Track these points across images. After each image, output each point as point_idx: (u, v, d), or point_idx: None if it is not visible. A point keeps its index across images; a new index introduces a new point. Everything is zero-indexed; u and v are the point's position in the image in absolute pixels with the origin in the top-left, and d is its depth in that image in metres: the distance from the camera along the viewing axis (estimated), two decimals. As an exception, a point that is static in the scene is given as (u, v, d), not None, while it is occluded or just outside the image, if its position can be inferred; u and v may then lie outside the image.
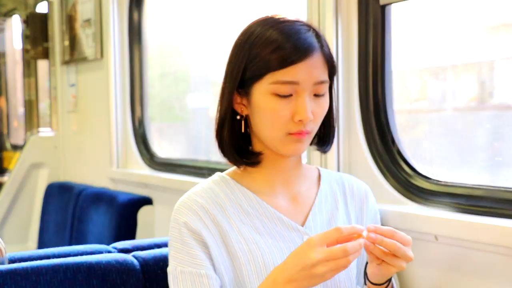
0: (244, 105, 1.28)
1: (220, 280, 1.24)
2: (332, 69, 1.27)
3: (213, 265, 1.24)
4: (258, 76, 1.22)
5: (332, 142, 1.35)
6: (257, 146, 1.31)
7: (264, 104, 1.23)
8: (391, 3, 1.68)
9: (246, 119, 1.29)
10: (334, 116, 1.34)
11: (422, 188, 1.60)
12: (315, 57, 1.22)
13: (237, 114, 1.28)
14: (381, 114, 1.72)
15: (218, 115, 1.30)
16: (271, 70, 1.20)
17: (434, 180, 1.60)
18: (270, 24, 1.24)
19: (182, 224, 1.26)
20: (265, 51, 1.21)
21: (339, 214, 1.36)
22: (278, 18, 1.25)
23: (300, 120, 1.22)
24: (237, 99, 1.28)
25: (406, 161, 1.68)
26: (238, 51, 1.26)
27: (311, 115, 1.22)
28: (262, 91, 1.23)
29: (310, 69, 1.21)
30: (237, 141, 1.30)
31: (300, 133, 1.23)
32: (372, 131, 1.73)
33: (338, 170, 1.75)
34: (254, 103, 1.24)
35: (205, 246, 1.24)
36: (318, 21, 1.77)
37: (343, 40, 1.75)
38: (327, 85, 1.26)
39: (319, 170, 1.42)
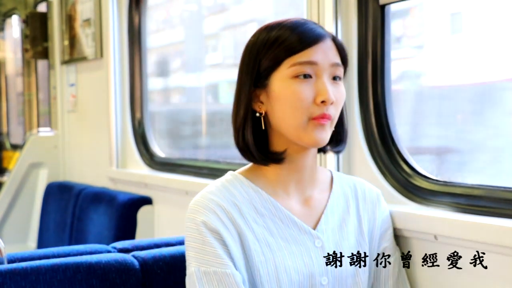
0: (261, 102, 1.28)
1: (242, 276, 1.23)
2: (344, 59, 1.29)
3: (234, 263, 1.23)
4: (277, 63, 1.24)
5: (345, 141, 1.35)
6: (276, 145, 1.30)
7: (285, 89, 1.24)
8: (390, 3, 1.68)
9: (264, 117, 1.29)
10: (345, 116, 1.35)
11: (422, 188, 1.60)
12: (328, 42, 1.26)
13: (255, 112, 1.29)
14: (381, 114, 1.72)
15: (236, 117, 1.29)
16: (289, 54, 1.23)
17: (433, 180, 1.60)
18: (279, 22, 1.28)
19: (200, 224, 1.24)
20: (281, 39, 1.24)
21: (350, 218, 1.36)
22: (285, 19, 1.29)
23: (322, 102, 1.23)
24: (255, 97, 1.28)
25: (406, 161, 1.67)
26: (252, 47, 1.28)
27: (332, 96, 1.24)
28: (282, 77, 1.24)
29: (326, 51, 1.25)
30: (260, 140, 1.29)
31: (323, 117, 1.23)
32: (372, 131, 1.73)
33: (338, 170, 1.75)
34: (275, 92, 1.25)
35: (224, 244, 1.23)
36: (318, 21, 1.77)
37: (343, 40, 1.75)
38: (342, 70, 1.28)
39: (331, 173, 1.42)
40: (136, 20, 3.06)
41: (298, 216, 1.31)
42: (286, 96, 1.24)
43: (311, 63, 1.23)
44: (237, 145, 1.31)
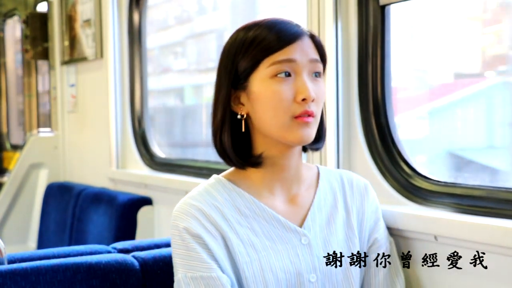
0: (242, 103, 1.28)
1: (229, 279, 1.23)
2: (322, 57, 1.29)
3: (219, 266, 1.23)
4: (255, 63, 1.24)
5: (324, 139, 1.35)
6: (259, 146, 1.30)
7: (265, 90, 1.23)
8: (390, 3, 1.68)
9: (246, 118, 1.28)
10: (324, 113, 1.34)
11: (422, 188, 1.60)
12: (306, 40, 1.26)
13: (236, 115, 1.28)
14: (381, 114, 1.72)
15: (215, 119, 1.29)
16: (267, 54, 1.23)
17: (433, 180, 1.60)
18: (256, 22, 1.28)
19: (182, 230, 1.24)
20: (258, 38, 1.24)
21: (339, 213, 1.36)
22: (262, 19, 1.29)
23: (303, 100, 1.22)
24: (235, 99, 1.28)
25: (406, 161, 1.67)
26: (230, 49, 1.28)
27: (313, 94, 1.23)
28: (261, 77, 1.24)
29: (304, 48, 1.25)
30: (238, 143, 1.29)
31: (305, 113, 1.23)
32: (372, 131, 1.73)
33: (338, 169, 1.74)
34: (255, 93, 1.25)
35: (208, 248, 1.23)
36: (318, 21, 1.77)
37: (343, 40, 1.75)
38: (321, 66, 1.28)
39: (318, 169, 1.41)
40: (136, 20, 3.06)
41: (283, 215, 1.30)
42: (266, 97, 1.23)
43: (289, 61, 1.23)
44: (215, 148, 1.31)
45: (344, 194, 1.39)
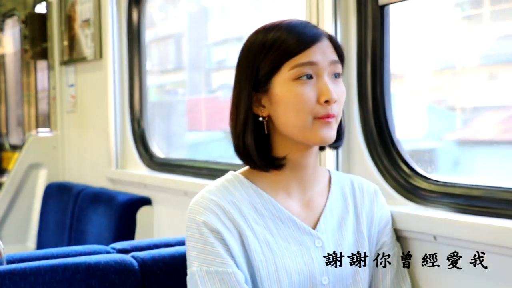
0: (263, 106, 1.28)
1: (244, 275, 1.23)
2: (341, 57, 1.30)
3: (235, 262, 1.23)
4: (276, 67, 1.24)
5: (343, 137, 1.36)
6: (279, 149, 1.30)
7: (288, 92, 1.23)
8: (390, 4, 1.68)
9: (268, 121, 1.28)
10: (342, 112, 1.34)
11: (421, 189, 1.60)
12: (325, 41, 1.27)
13: (257, 117, 1.28)
14: (380, 115, 1.72)
15: (236, 122, 1.29)
16: (289, 57, 1.23)
17: (433, 180, 1.60)
18: (275, 25, 1.28)
19: (201, 224, 1.24)
20: (279, 41, 1.24)
21: (349, 217, 1.37)
22: (280, 20, 1.29)
23: (326, 101, 1.23)
24: (256, 102, 1.28)
25: (405, 162, 1.67)
26: (249, 51, 1.28)
27: (335, 95, 1.24)
28: (283, 80, 1.24)
29: (324, 50, 1.25)
30: (260, 145, 1.29)
31: (327, 116, 1.24)
32: (371, 132, 1.73)
33: (337, 171, 1.74)
34: (277, 95, 1.25)
35: (225, 244, 1.24)
36: (317, 21, 1.77)
37: (342, 40, 1.75)
38: (341, 67, 1.29)
39: (329, 173, 1.42)
40: (135, 20, 3.06)
41: (298, 217, 1.31)
42: (289, 99, 1.23)
43: (311, 63, 1.23)
44: (237, 150, 1.31)
45: (355, 199, 1.40)
